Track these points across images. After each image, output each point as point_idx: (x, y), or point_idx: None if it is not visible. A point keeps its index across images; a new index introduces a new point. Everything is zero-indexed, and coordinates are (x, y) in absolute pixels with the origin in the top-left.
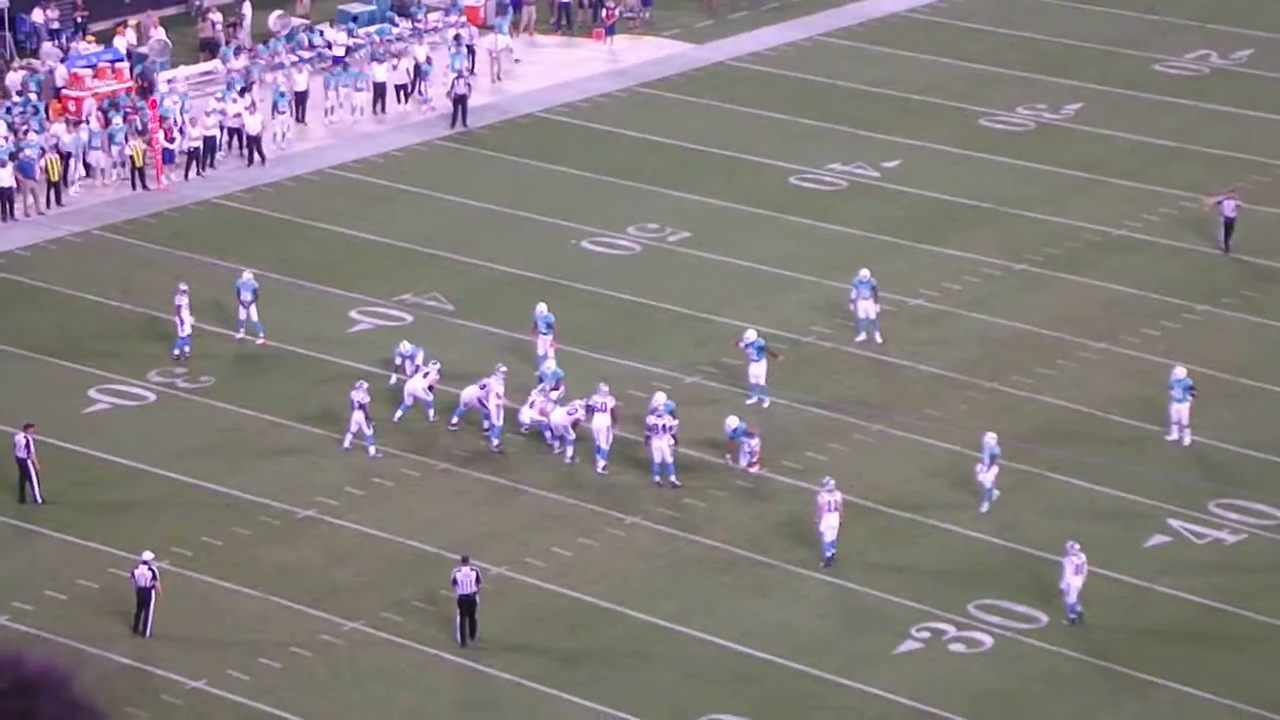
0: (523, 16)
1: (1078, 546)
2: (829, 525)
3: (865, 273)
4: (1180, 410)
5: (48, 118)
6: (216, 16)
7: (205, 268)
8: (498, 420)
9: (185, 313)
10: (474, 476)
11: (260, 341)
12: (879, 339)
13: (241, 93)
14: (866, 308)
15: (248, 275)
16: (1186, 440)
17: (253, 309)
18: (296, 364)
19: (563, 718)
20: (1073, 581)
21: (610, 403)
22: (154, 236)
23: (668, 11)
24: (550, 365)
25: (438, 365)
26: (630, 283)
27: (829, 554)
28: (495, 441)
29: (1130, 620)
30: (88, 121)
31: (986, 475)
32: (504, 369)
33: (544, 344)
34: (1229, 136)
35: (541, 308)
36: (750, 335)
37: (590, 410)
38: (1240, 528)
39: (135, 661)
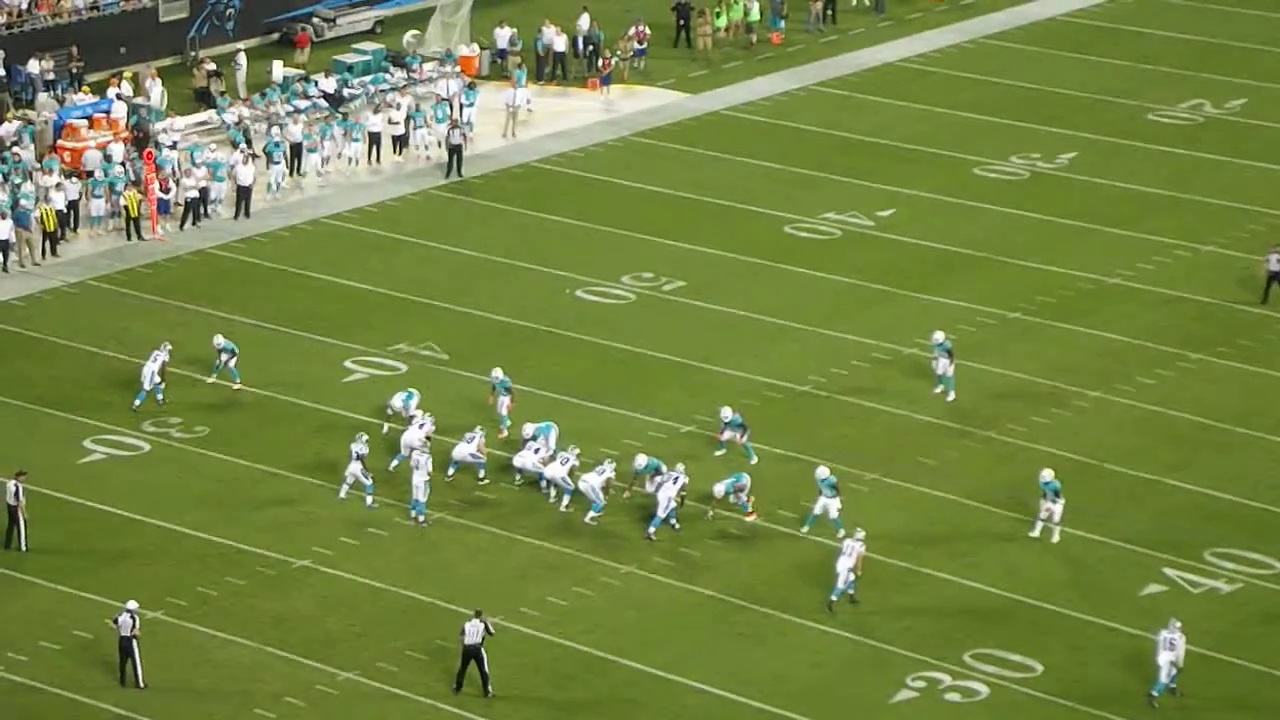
0: (509, 65)
1: (1178, 625)
2: (841, 567)
3: (939, 335)
4: (1053, 509)
5: (42, 169)
6: (212, 67)
7: (198, 317)
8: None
9: (158, 366)
10: (469, 526)
11: (212, 381)
12: (951, 396)
13: (235, 145)
14: (943, 365)
15: (220, 339)
16: (1055, 538)
17: (231, 362)
18: (291, 414)
19: None
20: (1164, 658)
21: (609, 474)
22: (149, 287)
23: (662, 61)
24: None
25: (432, 418)
26: (625, 332)
27: (833, 597)
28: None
29: (1126, 668)
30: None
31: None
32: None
33: (503, 405)
34: (1222, 185)
35: (497, 372)
36: (727, 414)
37: (599, 477)
38: (1236, 576)
39: (129, 712)
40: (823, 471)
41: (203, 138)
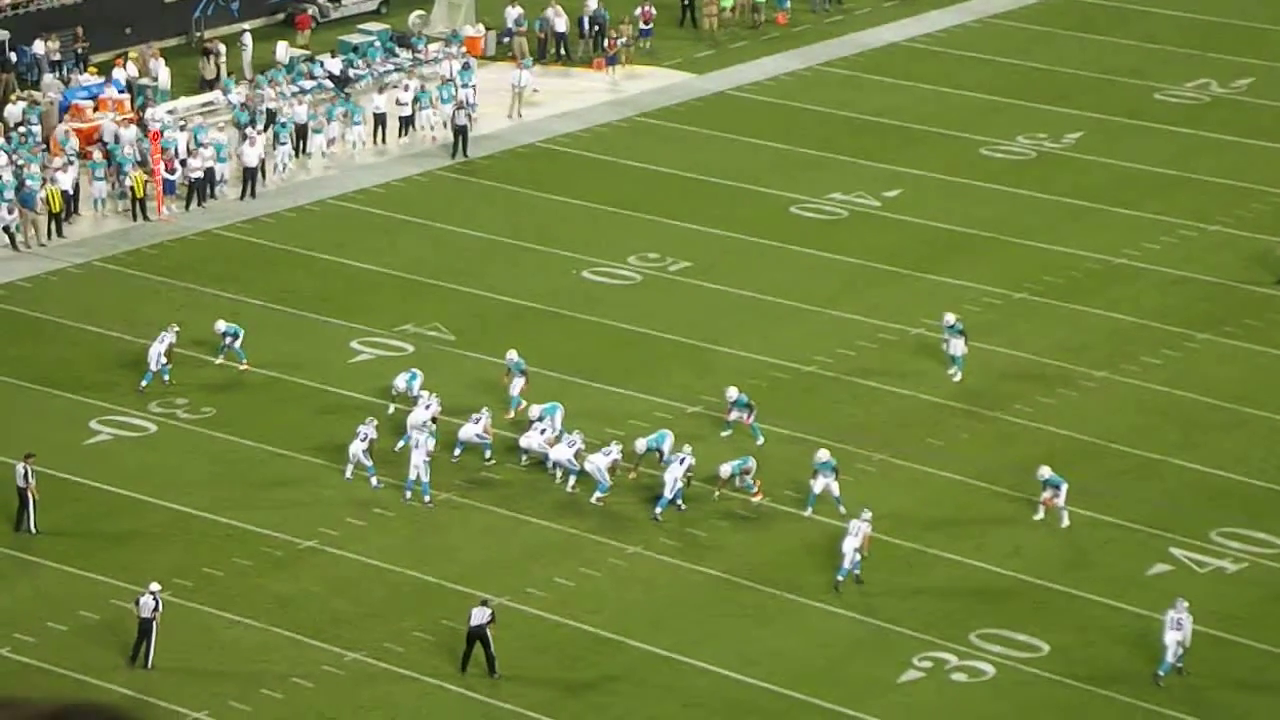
0: (513, 46)
1: (1185, 604)
2: (847, 547)
3: (950, 318)
4: (1056, 500)
5: (48, 150)
6: (214, 47)
7: (204, 298)
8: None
9: (164, 347)
10: (476, 506)
11: (219, 362)
12: (958, 377)
13: (240, 126)
14: (957, 345)
15: (221, 324)
16: (1064, 522)
17: (236, 344)
18: (297, 395)
19: None
20: (1171, 637)
21: (615, 455)
22: (155, 267)
23: (668, 41)
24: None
25: (437, 398)
26: (631, 313)
27: (839, 577)
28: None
29: (1132, 648)
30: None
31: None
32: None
33: (516, 386)
34: (1229, 165)
35: (512, 354)
36: (733, 394)
37: (605, 458)
38: (1242, 556)
39: (136, 693)
40: (823, 455)
41: (205, 118)
